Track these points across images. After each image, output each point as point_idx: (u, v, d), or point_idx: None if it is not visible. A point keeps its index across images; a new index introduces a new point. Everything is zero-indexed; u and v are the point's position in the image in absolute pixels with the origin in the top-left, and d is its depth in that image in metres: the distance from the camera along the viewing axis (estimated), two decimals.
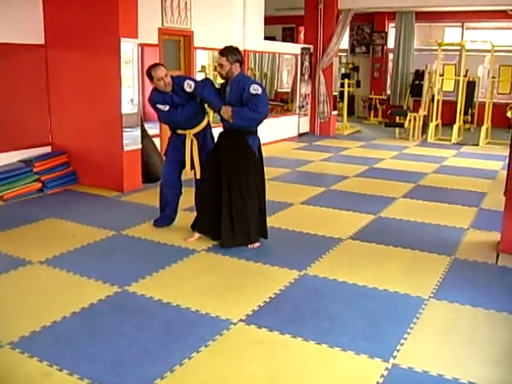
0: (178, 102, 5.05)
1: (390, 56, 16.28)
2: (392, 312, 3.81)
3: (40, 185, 6.67)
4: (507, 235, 4.92)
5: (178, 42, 8.48)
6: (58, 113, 7.14)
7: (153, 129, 7.87)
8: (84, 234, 5.24)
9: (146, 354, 3.18)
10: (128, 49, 6.63)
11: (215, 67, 10.86)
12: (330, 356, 3.24)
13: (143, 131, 7.14)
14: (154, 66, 5.08)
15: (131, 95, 6.83)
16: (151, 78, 5.02)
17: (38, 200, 6.44)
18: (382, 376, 3.02)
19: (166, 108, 5.03)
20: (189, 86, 4.96)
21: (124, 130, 6.72)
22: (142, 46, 7.39)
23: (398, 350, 3.28)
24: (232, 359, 3.18)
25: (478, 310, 3.86)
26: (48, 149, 7.18)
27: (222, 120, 4.82)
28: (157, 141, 7.83)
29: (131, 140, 6.85)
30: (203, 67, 10.62)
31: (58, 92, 7.07)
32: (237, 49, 4.82)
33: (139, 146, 6.99)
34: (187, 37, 8.47)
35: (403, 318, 3.72)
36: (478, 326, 3.65)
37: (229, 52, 4.72)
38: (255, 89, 4.63)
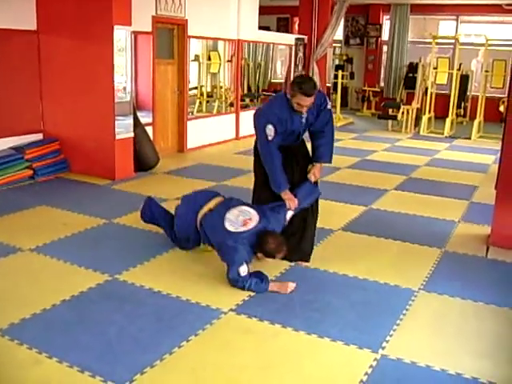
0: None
1: (385, 48, 16.26)
2: (382, 303, 3.83)
3: (31, 172, 6.64)
4: (497, 228, 4.95)
5: (172, 31, 8.43)
6: (50, 100, 7.09)
7: (145, 117, 7.83)
8: (75, 222, 5.22)
9: (136, 343, 3.18)
10: (121, 36, 6.58)
11: (209, 56, 10.92)
12: (320, 346, 3.25)
13: (135, 119, 7.11)
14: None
15: (124, 83, 6.79)
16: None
17: (28, 187, 6.41)
18: (371, 366, 3.04)
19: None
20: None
21: (116, 118, 6.68)
22: (136, 33, 7.34)
23: (387, 341, 3.30)
24: (222, 348, 3.19)
25: (467, 303, 3.89)
26: (39, 136, 7.13)
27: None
28: (149, 129, 7.79)
29: (123, 128, 6.81)
30: (197, 56, 10.61)
31: (51, 79, 7.02)
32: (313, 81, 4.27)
33: (131, 135, 6.96)
34: (181, 25, 8.42)
35: (393, 309, 3.74)
36: (467, 318, 3.68)
37: (315, 90, 4.14)
38: (330, 105, 4.42)
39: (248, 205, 4.24)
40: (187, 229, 4.34)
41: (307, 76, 4.08)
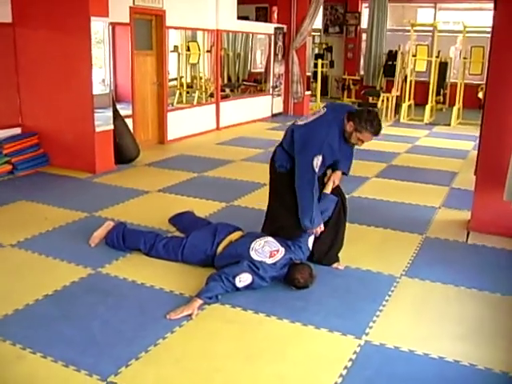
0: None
1: (364, 36, 16.27)
2: (364, 290, 3.87)
3: (10, 167, 6.56)
4: (477, 214, 5.01)
5: (150, 22, 8.36)
6: (28, 94, 7.00)
7: (125, 109, 7.77)
8: (56, 216, 5.18)
9: (120, 335, 3.18)
10: (99, 28, 6.51)
11: (188, 47, 10.84)
12: (304, 334, 3.28)
13: (115, 112, 7.05)
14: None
15: (102, 75, 6.73)
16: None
17: (8, 182, 6.34)
18: (355, 352, 3.07)
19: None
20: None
21: (95, 110, 6.62)
22: (114, 25, 7.27)
23: (370, 327, 3.34)
24: (207, 339, 3.20)
25: (449, 287, 3.94)
26: (18, 130, 7.04)
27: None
28: (129, 121, 7.74)
29: (103, 121, 6.75)
30: (176, 47, 10.53)
31: (28, 72, 6.93)
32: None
33: (111, 127, 6.91)
34: (159, 16, 8.35)
35: (375, 295, 3.77)
36: (449, 303, 3.73)
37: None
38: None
39: (272, 236, 4.08)
40: (197, 256, 4.11)
41: (375, 113, 3.92)
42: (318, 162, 3.84)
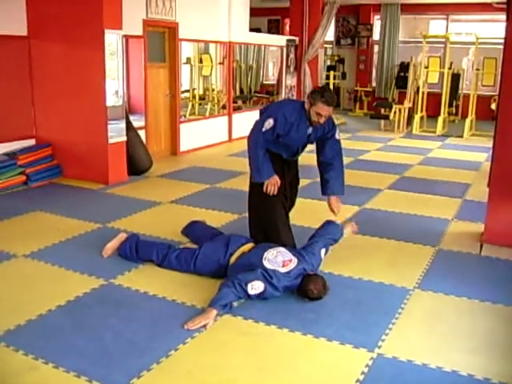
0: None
1: (376, 48, 16.30)
2: (377, 302, 3.85)
3: (24, 178, 6.62)
4: (491, 226, 4.97)
5: (163, 34, 8.43)
6: (42, 105, 7.08)
7: (138, 121, 7.83)
8: (69, 227, 5.21)
9: (132, 347, 3.18)
10: (112, 40, 6.58)
11: (200, 59, 10.91)
12: (316, 346, 3.26)
13: (128, 123, 7.10)
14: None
15: (116, 87, 6.79)
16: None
17: (22, 193, 6.39)
18: (367, 366, 3.04)
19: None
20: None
21: (109, 122, 6.67)
22: (127, 37, 7.34)
23: (382, 340, 3.31)
24: (218, 350, 3.19)
25: (462, 300, 3.91)
26: (32, 141, 7.11)
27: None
28: (142, 133, 7.79)
29: (116, 132, 6.80)
30: (188, 59, 10.61)
31: (42, 84, 7.01)
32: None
33: (124, 139, 6.96)
34: (172, 28, 8.42)
35: (388, 308, 3.75)
36: (462, 316, 3.70)
37: (330, 99, 4.15)
38: (339, 135, 4.48)
39: (285, 247, 4.12)
40: (209, 266, 4.10)
41: (328, 87, 4.17)
42: (268, 124, 4.17)
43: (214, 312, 3.50)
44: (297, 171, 4.75)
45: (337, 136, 4.41)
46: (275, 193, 4.27)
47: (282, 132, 4.22)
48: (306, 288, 3.76)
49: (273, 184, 4.25)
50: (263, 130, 4.19)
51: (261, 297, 3.72)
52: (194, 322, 3.42)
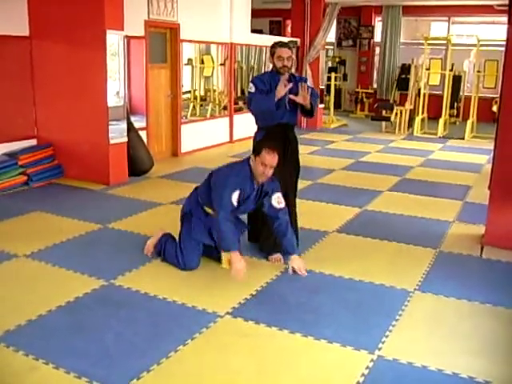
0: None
1: (377, 50, 16.32)
2: (377, 304, 3.84)
3: (25, 178, 6.62)
4: (491, 228, 4.96)
5: (165, 35, 8.43)
6: (44, 105, 7.08)
7: (139, 122, 7.83)
8: (70, 228, 5.21)
9: (132, 347, 3.18)
10: (114, 41, 6.58)
11: (202, 60, 10.90)
12: (316, 348, 3.26)
13: (129, 124, 7.10)
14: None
15: (117, 88, 6.79)
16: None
17: (23, 193, 6.39)
18: (368, 368, 3.04)
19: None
20: None
21: (110, 122, 6.68)
22: (128, 38, 7.34)
23: (383, 342, 3.31)
24: (219, 352, 3.19)
25: (463, 302, 3.90)
26: (33, 142, 7.12)
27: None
28: (143, 133, 7.79)
29: (117, 133, 6.81)
30: (190, 60, 10.60)
31: (43, 84, 7.01)
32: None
33: (125, 139, 6.96)
34: (173, 29, 8.42)
35: (388, 310, 3.75)
36: (462, 318, 3.69)
37: (292, 44, 4.35)
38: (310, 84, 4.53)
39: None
40: (202, 232, 4.27)
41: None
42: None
43: (236, 253, 3.90)
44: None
45: (309, 83, 4.40)
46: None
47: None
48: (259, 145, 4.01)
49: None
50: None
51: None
52: (238, 277, 3.86)
